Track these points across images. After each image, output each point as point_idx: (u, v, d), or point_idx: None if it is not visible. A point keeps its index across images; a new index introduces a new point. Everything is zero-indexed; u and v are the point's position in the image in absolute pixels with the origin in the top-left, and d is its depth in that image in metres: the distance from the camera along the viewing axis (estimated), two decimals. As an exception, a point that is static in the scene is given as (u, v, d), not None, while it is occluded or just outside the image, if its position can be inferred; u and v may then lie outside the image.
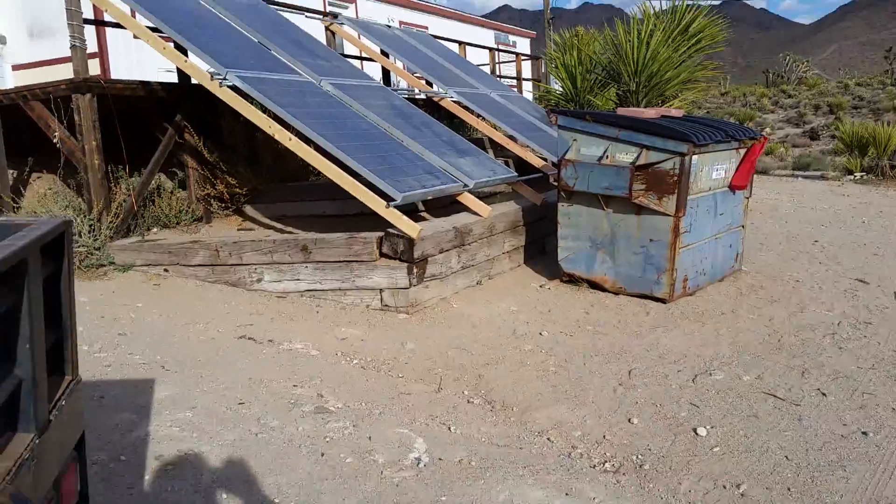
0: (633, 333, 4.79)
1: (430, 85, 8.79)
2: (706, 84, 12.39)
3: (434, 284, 5.21)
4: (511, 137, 8.00)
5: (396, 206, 4.93)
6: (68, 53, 5.72)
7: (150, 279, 5.54)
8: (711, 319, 5.07)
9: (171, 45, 5.74)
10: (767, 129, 21.07)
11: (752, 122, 21.70)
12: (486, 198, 7.07)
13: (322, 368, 4.07)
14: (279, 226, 6.78)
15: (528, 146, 7.93)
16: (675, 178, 5.21)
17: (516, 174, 6.66)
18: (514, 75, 14.50)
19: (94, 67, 10.63)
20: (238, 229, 6.70)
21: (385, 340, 4.54)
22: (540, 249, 6.79)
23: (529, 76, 16.03)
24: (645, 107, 10.67)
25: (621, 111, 5.97)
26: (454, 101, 8.25)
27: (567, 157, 5.69)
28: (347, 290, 5.08)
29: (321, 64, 6.63)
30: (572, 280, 5.88)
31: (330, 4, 15.02)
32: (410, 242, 4.89)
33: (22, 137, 6.62)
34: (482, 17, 25.49)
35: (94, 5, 6.20)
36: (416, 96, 9.41)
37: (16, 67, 10.75)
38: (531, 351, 4.45)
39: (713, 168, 5.63)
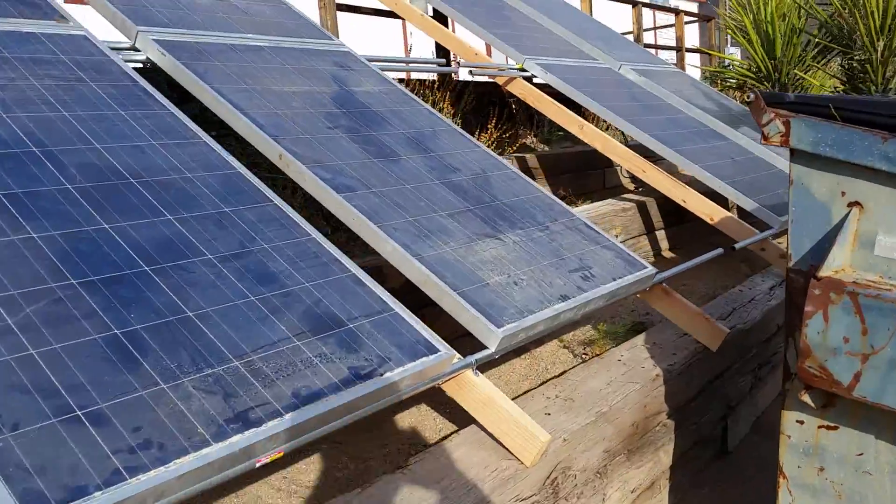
0: None
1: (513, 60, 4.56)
2: None
3: None
4: (639, 150, 3.80)
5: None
6: None
7: None
8: None
9: None
10: None
11: None
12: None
13: None
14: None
15: (695, 174, 3.67)
16: None
17: (651, 269, 2.46)
18: (674, 45, 10.01)
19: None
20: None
21: None
22: (714, 451, 2.63)
23: (696, 46, 11.35)
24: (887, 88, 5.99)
25: None
26: (538, 83, 4.14)
27: (832, 262, 1.50)
28: None
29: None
30: None
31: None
32: None
33: None
34: None
35: None
36: (443, 72, 4.80)
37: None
38: None
39: None
